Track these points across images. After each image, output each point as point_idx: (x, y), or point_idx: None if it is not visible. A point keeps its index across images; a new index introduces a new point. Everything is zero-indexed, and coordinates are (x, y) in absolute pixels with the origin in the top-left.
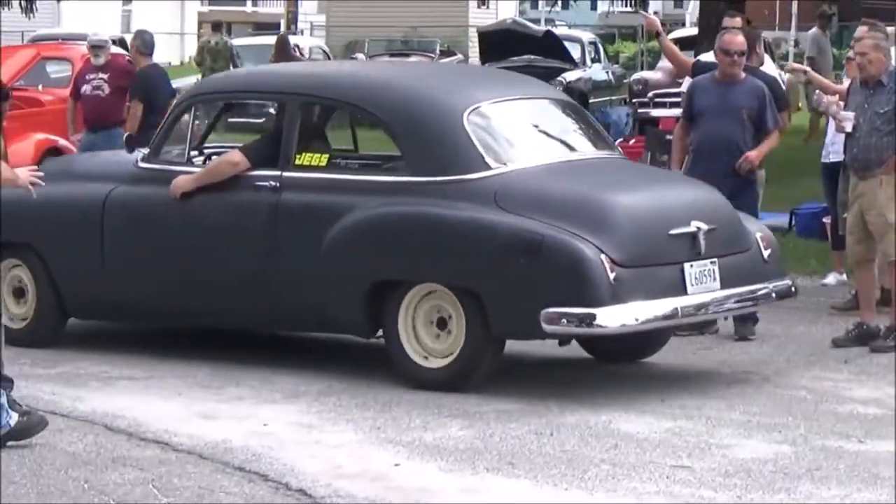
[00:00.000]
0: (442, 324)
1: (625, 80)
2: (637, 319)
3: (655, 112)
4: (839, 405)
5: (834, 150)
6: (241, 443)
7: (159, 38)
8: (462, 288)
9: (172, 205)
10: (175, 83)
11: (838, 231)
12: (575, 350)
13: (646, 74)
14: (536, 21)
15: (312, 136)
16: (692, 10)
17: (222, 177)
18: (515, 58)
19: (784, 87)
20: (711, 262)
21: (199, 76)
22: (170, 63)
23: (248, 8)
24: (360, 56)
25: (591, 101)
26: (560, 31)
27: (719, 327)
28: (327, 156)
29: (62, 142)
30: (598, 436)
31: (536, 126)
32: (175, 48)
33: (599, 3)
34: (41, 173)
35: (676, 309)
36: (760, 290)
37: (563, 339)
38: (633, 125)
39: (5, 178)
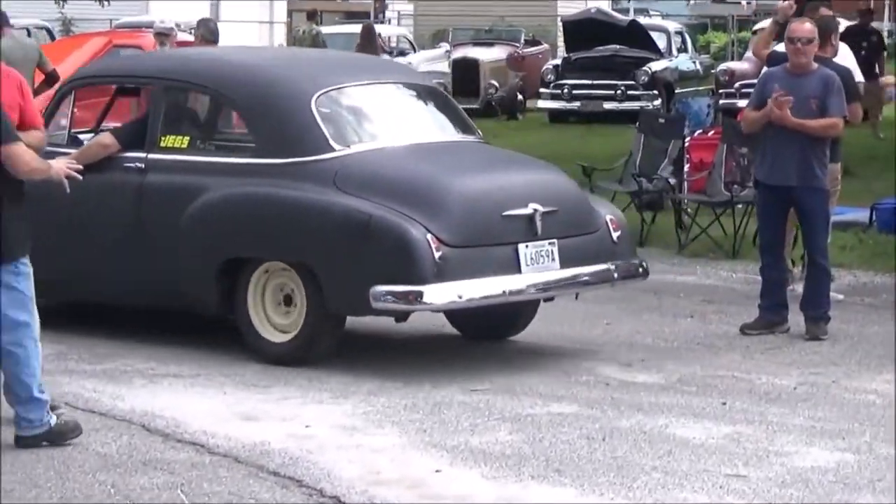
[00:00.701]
0: (289, 300)
1: (712, 71)
2: (461, 297)
3: (742, 102)
4: None
5: None
6: (279, 445)
7: (249, 27)
8: (301, 265)
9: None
10: None
11: None
12: (636, 353)
13: (732, 65)
14: (626, 11)
15: (177, 118)
16: None
17: (95, 158)
18: (601, 47)
19: (857, 80)
20: (550, 243)
21: None
22: None
23: None
24: (444, 45)
25: (676, 91)
26: (646, 20)
27: (790, 326)
28: (188, 138)
29: None
30: (652, 441)
31: (387, 110)
32: (264, 37)
33: None
34: (80, 166)
35: (504, 288)
36: (603, 270)
37: (399, 316)
38: (715, 116)
39: (34, 169)
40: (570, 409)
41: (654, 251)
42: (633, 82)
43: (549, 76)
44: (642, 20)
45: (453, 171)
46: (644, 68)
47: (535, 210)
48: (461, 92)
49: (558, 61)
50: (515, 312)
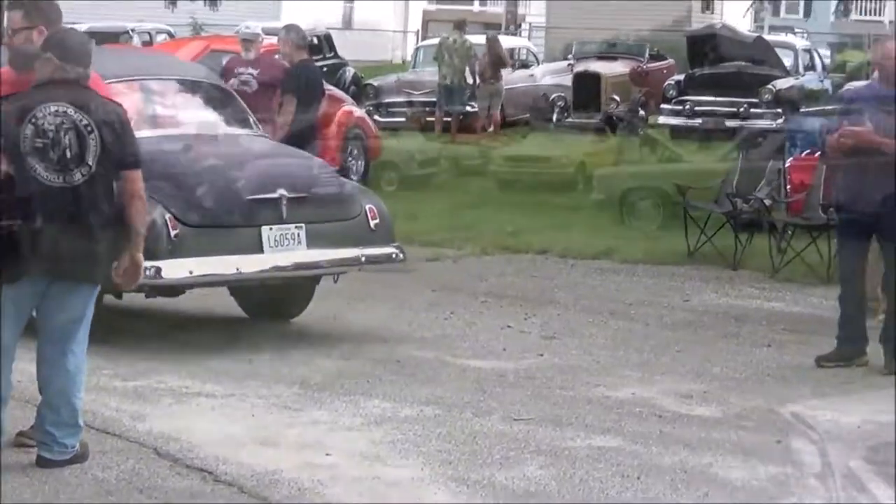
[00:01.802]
0: None
1: (840, 91)
2: (192, 273)
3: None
4: None
5: None
6: (291, 475)
7: (383, 35)
8: None
9: None
10: (376, 80)
11: None
12: (700, 384)
13: (856, 85)
14: (770, 29)
15: None
16: None
17: None
18: (725, 63)
19: None
20: (297, 227)
21: (437, 70)
22: (391, 60)
23: (476, 7)
24: (569, 57)
25: (801, 109)
26: (771, 37)
27: (869, 359)
28: None
29: None
30: (691, 481)
31: (156, 104)
32: (398, 45)
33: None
34: None
35: (238, 266)
36: (352, 254)
37: (148, 292)
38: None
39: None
40: (613, 442)
41: (747, 274)
42: (756, 100)
43: (671, 92)
44: (771, 37)
45: (203, 158)
46: (768, 86)
47: (282, 195)
48: (582, 106)
49: (681, 77)
50: (291, 294)
